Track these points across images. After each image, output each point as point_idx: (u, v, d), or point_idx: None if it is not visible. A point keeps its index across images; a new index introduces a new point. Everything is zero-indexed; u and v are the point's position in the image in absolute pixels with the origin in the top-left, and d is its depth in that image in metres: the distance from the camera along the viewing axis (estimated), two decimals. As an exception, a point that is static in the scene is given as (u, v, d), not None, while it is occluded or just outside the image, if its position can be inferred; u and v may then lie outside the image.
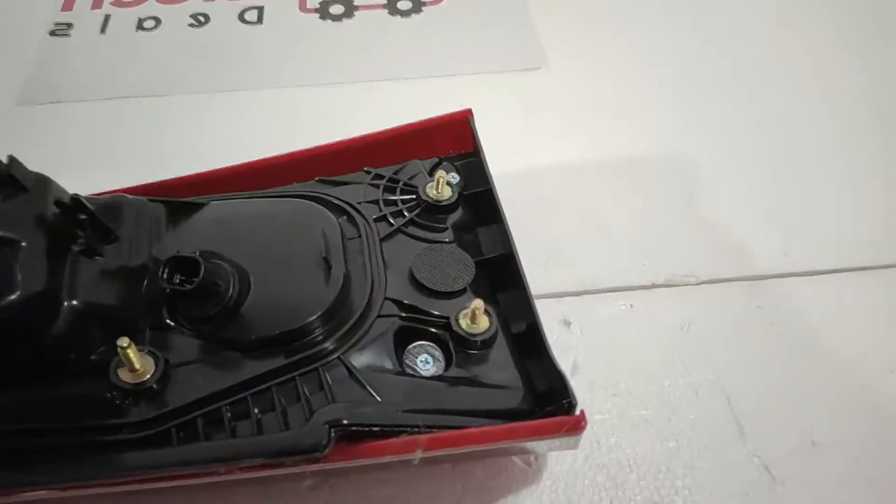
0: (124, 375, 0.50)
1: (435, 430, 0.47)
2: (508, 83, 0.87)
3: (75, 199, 0.50)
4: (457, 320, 0.54)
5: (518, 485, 0.57)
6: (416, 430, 0.47)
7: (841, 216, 0.76)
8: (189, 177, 0.68)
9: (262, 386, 0.50)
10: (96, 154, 0.82)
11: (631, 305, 0.68)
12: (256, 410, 0.49)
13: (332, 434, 0.46)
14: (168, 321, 0.54)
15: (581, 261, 0.71)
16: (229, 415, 0.49)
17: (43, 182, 0.52)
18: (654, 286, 0.69)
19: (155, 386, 0.50)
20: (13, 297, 0.46)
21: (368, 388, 0.49)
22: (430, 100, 0.79)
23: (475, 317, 0.54)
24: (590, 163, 0.79)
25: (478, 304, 0.53)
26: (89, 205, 0.51)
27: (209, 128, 0.84)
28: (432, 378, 0.52)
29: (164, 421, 0.48)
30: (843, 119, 0.85)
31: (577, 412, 0.45)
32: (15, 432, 0.48)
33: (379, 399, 0.49)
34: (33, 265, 0.48)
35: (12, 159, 0.50)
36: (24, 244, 0.48)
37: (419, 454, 0.44)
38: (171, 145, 0.82)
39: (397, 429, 0.47)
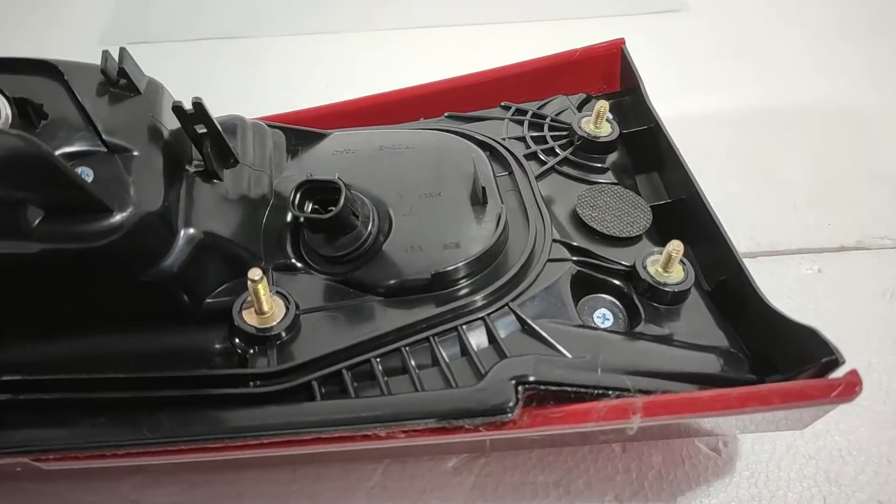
0: (250, 318, 0.41)
1: (646, 394, 0.37)
2: (644, 27, 0.77)
3: (198, 104, 0.41)
4: (644, 267, 0.44)
5: (708, 475, 0.46)
6: (622, 393, 0.37)
7: None
8: (295, 113, 0.60)
9: (419, 336, 0.40)
10: (183, 98, 0.74)
11: (819, 270, 0.57)
12: (413, 363, 0.39)
13: (520, 392, 0.36)
14: (294, 261, 0.45)
15: (750, 218, 0.61)
16: (381, 368, 0.39)
17: (156, 86, 0.44)
18: (843, 248, 0.58)
19: (284, 334, 0.41)
20: (125, 213, 0.38)
21: (552, 341, 0.40)
22: (557, 45, 0.70)
23: (669, 263, 0.44)
24: (746, 113, 0.69)
25: (675, 247, 0.43)
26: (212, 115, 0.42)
27: (308, 70, 0.76)
28: (623, 334, 0.42)
29: (302, 372, 0.39)
30: None
31: (844, 373, 0.35)
32: (116, 382, 0.39)
33: (568, 355, 0.39)
34: (148, 180, 0.40)
35: (124, 51, 0.41)
36: (136, 154, 0.40)
37: (636, 422, 0.34)
38: (268, 89, 0.74)
39: (597, 391, 0.37)
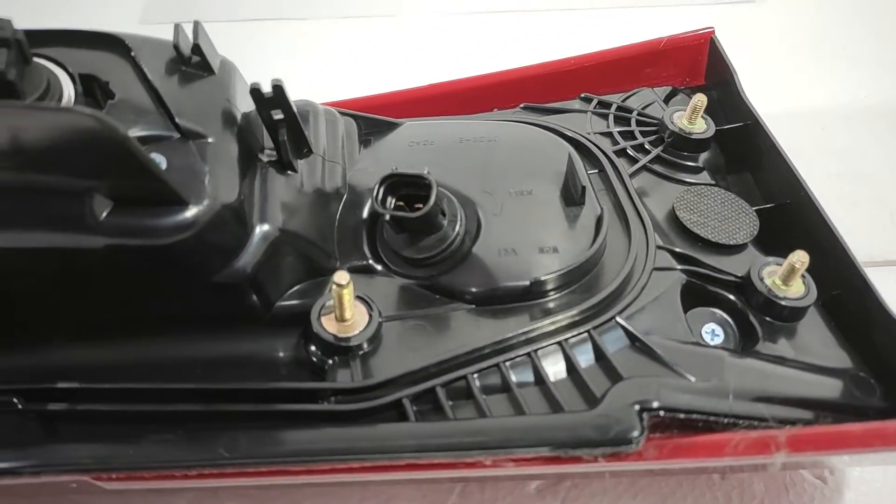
0: (329, 325, 0.37)
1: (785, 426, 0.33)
2: (715, 19, 0.72)
3: (278, 86, 0.37)
4: (761, 279, 0.40)
5: (816, 507, 0.43)
6: (752, 423, 0.33)
7: None
8: (361, 99, 0.55)
9: (520, 351, 0.36)
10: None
11: (922, 284, 0.53)
12: (514, 380, 0.36)
13: (645, 420, 0.32)
14: (372, 262, 0.41)
15: (843, 227, 0.56)
16: (478, 384, 0.35)
17: (229, 66, 0.40)
18: (949, 262, 0.54)
19: (366, 345, 0.37)
20: (201, 207, 0.34)
21: (669, 360, 0.36)
22: (624, 34, 0.65)
23: (790, 276, 0.39)
24: (836, 111, 0.64)
25: (800, 258, 0.39)
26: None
27: (368, 55, 0.72)
28: (742, 354, 0.38)
29: (392, 388, 0.35)
30: None
31: None
32: (185, 393, 0.36)
33: (692, 378, 0.35)
34: (223, 170, 0.36)
35: (199, 26, 0.37)
36: (210, 140, 0.36)
37: (780, 458, 0.30)
38: (319, 75, 0.70)
39: (728, 420, 0.33)
